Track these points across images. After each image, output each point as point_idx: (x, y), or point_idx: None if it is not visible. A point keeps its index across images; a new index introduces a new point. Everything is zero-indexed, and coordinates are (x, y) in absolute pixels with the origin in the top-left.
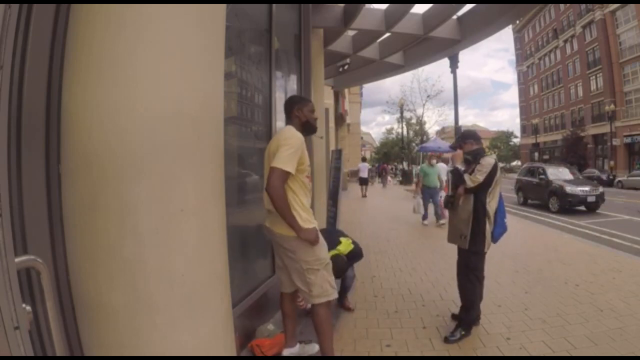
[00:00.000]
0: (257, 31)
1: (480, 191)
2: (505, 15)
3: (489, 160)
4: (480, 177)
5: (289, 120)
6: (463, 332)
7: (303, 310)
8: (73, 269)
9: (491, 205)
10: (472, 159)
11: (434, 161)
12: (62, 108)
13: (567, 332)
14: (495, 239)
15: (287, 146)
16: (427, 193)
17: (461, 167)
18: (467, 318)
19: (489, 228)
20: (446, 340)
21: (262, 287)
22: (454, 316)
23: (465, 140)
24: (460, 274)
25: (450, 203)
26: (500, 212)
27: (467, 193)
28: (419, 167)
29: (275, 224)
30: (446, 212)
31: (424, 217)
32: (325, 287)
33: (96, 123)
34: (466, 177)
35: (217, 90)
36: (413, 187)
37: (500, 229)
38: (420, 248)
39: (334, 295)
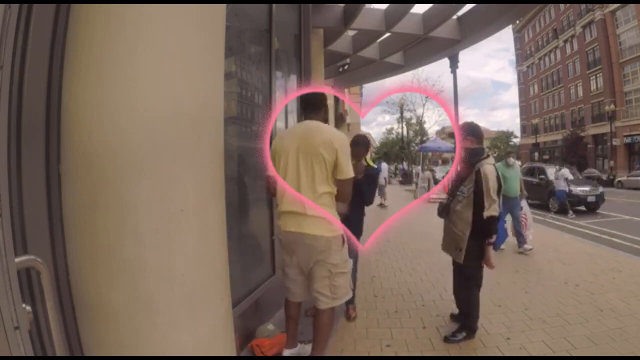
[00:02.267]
0: (257, 31)
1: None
2: (505, 15)
3: (491, 170)
4: (495, 196)
5: (314, 115)
6: (465, 334)
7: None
8: (73, 269)
9: None
10: (467, 159)
11: (511, 159)
12: (62, 108)
13: (567, 332)
14: (496, 247)
15: (347, 155)
16: (506, 205)
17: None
18: (468, 322)
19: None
20: (446, 339)
21: (262, 287)
22: (452, 317)
23: (465, 135)
24: (457, 282)
25: (446, 212)
26: (500, 220)
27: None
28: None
29: (305, 226)
30: (529, 235)
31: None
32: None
33: (96, 123)
34: (490, 210)
35: (217, 90)
36: (413, 187)
37: (502, 235)
38: (420, 248)
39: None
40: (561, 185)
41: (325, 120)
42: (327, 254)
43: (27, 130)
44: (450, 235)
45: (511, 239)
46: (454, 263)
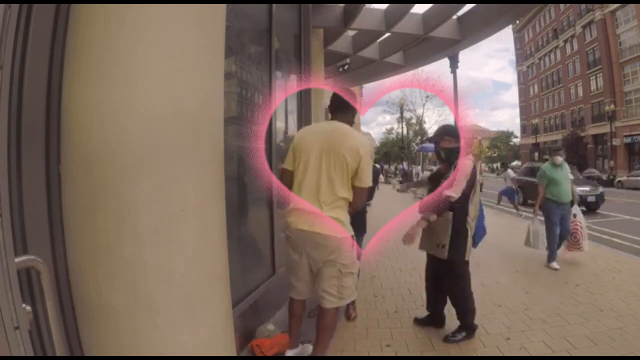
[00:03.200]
0: (257, 31)
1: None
2: (505, 15)
3: (468, 163)
4: (464, 184)
5: (341, 115)
6: (464, 334)
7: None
8: (73, 269)
9: (471, 212)
10: (446, 158)
11: (559, 158)
12: (62, 108)
13: (567, 332)
14: (475, 243)
15: (370, 164)
16: (556, 212)
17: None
18: (467, 321)
19: (470, 235)
20: (446, 339)
21: (262, 287)
22: (417, 321)
23: (442, 137)
24: (445, 283)
25: None
26: (480, 216)
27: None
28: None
29: (318, 226)
30: (585, 245)
31: (552, 256)
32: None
33: (96, 123)
34: (451, 191)
35: (217, 90)
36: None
37: (480, 232)
38: None
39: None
40: (508, 184)
41: (351, 123)
42: (338, 254)
43: (27, 130)
44: (431, 232)
45: (508, 242)
46: (438, 265)
